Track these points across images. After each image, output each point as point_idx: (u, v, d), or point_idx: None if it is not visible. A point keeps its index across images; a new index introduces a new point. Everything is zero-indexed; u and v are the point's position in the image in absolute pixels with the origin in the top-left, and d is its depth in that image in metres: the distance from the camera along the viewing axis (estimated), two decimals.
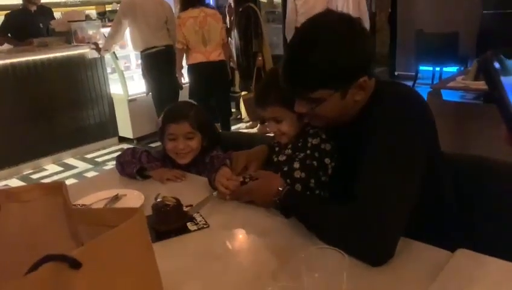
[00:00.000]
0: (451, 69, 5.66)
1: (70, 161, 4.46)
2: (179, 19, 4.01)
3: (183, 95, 4.62)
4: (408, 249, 0.98)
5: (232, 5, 4.95)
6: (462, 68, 4.84)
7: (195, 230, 1.15)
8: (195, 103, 1.73)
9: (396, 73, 7.30)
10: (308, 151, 1.25)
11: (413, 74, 6.02)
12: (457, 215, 1.17)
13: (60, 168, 4.27)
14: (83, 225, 0.63)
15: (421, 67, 6.03)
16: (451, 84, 3.21)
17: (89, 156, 4.58)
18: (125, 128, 4.84)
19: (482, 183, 1.26)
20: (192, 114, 1.58)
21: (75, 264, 0.45)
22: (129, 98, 4.71)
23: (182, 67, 4.20)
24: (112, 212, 0.59)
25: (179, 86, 4.45)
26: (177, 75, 4.24)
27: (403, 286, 0.87)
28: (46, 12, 5.22)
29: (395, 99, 1.07)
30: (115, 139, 4.91)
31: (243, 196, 1.28)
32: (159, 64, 4.27)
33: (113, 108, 4.84)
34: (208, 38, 4.02)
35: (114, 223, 0.54)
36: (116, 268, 0.51)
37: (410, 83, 5.19)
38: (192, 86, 4.24)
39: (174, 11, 4.65)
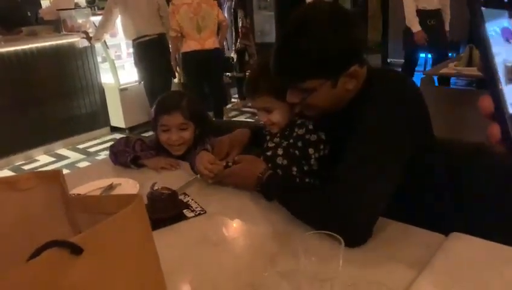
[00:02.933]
0: None
1: (62, 151, 4.44)
2: (173, 6, 3.95)
3: (176, 84, 4.61)
4: (402, 233, 1.00)
5: None
6: (454, 55, 4.85)
7: (192, 217, 1.16)
8: (187, 92, 1.73)
9: (389, 60, 7.30)
10: (292, 141, 1.27)
11: None
12: (451, 200, 1.19)
13: (52, 159, 4.24)
14: (81, 213, 0.63)
15: None
16: (443, 70, 3.23)
17: (80, 146, 4.55)
18: (117, 118, 4.82)
19: (475, 168, 1.28)
20: (185, 104, 1.57)
21: (76, 250, 0.46)
22: (120, 87, 4.68)
23: (176, 55, 4.17)
24: (110, 199, 0.59)
25: (173, 75, 4.42)
26: (172, 64, 4.21)
27: (396, 268, 0.88)
28: (32, 0, 5.15)
29: (386, 87, 1.08)
30: (107, 129, 4.89)
31: (226, 179, 1.30)
32: (151, 53, 4.23)
33: (105, 97, 4.81)
34: (203, 25, 3.98)
35: (113, 211, 0.54)
36: (117, 254, 0.51)
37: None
38: (186, 74, 4.21)
39: None
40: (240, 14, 5.68)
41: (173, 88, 4.52)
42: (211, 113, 4.39)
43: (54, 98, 4.39)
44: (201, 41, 4.01)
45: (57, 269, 0.45)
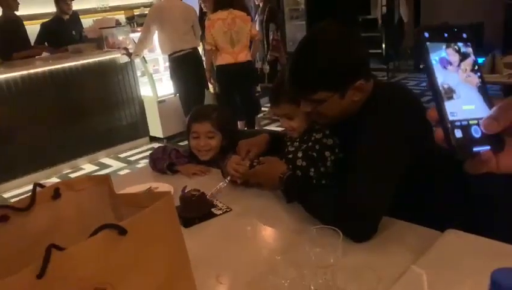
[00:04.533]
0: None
1: (105, 160, 4.73)
2: (208, 21, 4.16)
3: (209, 95, 4.83)
4: (399, 230, 1.12)
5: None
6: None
7: (220, 214, 1.33)
8: (219, 105, 1.91)
9: (421, 66, 7.26)
10: (310, 144, 1.42)
11: None
12: (451, 201, 1.29)
13: (96, 167, 4.54)
14: (124, 207, 0.80)
15: None
16: None
17: (122, 155, 4.84)
18: (155, 128, 5.08)
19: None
20: (214, 115, 1.74)
21: (122, 231, 0.62)
22: (158, 99, 4.94)
23: (210, 67, 4.39)
24: (146, 196, 0.76)
25: (206, 87, 4.65)
26: (206, 75, 4.44)
27: (392, 260, 1.00)
28: (76, 19, 5.52)
29: (387, 98, 1.20)
30: (146, 138, 5.16)
31: (251, 178, 1.46)
32: (185, 66, 4.47)
33: (144, 109, 5.08)
34: (236, 39, 4.16)
35: (148, 204, 0.70)
36: (151, 236, 0.67)
37: None
38: (219, 85, 4.42)
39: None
40: (271, 27, 5.87)
41: (207, 99, 4.75)
42: (243, 123, 4.59)
43: (97, 110, 4.70)
44: (235, 55, 4.20)
45: (109, 244, 0.61)
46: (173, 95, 4.85)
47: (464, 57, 0.50)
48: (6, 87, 4.03)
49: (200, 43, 4.81)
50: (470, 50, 0.51)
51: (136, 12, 6.86)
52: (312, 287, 0.91)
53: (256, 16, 5.97)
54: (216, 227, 1.28)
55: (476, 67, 0.50)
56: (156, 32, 4.44)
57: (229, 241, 1.20)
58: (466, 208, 1.29)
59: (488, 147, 0.45)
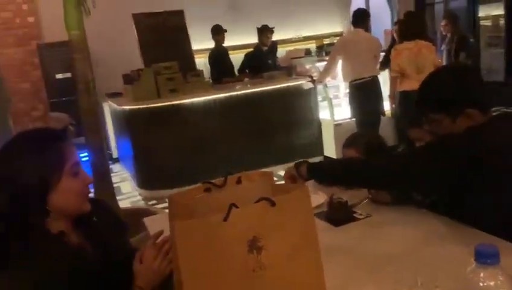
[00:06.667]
0: None
1: (282, 173, 5.32)
2: (395, 51, 4.47)
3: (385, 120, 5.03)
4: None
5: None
6: None
7: (361, 219, 1.64)
8: (373, 133, 2.19)
9: None
10: None
11: None
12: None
13: (275, 179, 5.16)
14: (277, 192, 1.19)
15: None
16: None
17: None
18: (329, 148, 5.50)
19: None
20: (363, 142, 2.03)
21: (272, 203, 1.00)
22: (335, 122, 5.35)
23: (393, 94, 4.63)
24: (290, 186, 1.14)
25: (382, 113, 4.88)
26: (389, 101, 4.71)
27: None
28: (274, 49, 6.38)
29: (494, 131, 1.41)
30: (320, 158, 5.61)
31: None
32: (364, 92, 4.80)
33: (321, 131, 5.56)
34: (422, 67, 4.32)
35: (291, 192, 1.08)
36: (290, 211, 1.04)
37: None
38: (401, 110, 4.58)
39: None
40: (462, 56, 5.71)
41: (383, 122, 4.96)
42: None
43: (281, 128, 5.37)
44: (418, 83, 4.35)
45: (264, 210, 1.00)
46: (349, 119, 5.19)
47: None
48: (213, 104, 5.00)
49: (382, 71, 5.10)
50: None
51: (326, 41, 7.49)
52: None
53: (443, 46, 5.89)
54: (357, 229, 1.59)
55: None
56: (340, 61, 4.88)
57: (368, 239, 1.49)
58: None
59: None
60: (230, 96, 5.10)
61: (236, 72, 6.34)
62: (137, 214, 3.05)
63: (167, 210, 1.18)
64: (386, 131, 4.90)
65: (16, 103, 6.36)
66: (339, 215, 1.65)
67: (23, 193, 1.12)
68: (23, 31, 6.53)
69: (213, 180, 1.22)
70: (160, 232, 1.34)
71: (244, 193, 1.17)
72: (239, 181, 1.26)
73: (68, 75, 5.86)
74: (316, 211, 1.75)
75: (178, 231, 0.99)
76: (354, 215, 1.65)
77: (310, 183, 2.14)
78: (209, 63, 6.15)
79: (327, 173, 1.61)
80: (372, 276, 1.27)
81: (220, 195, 1.18)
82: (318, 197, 1.90)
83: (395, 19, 8.00)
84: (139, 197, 4.97)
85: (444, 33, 5.99)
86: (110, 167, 4.13)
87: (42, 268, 1.10)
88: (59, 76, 6.18)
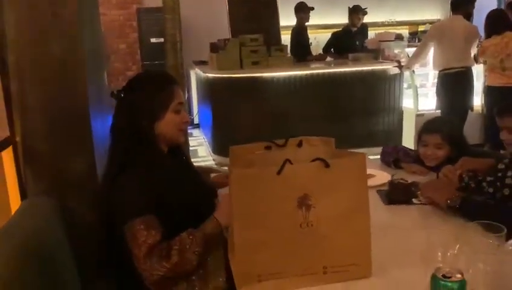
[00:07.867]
0: None
1: None
2: (481, 48, 4.30)
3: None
4: None
5: None
6: None
7: (417, 204, 1.59)
8: (454, 120, 2.08)
9: None
10: None
11: None
12: None
13: None
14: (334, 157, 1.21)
15: None
16: None
17: (371, 157, 5.24)
18: (408, 139, 5.27)
19: None
20: (446, 129, 1.94)
21: (327, 165, 1.03)
22: (418, 112, 5.10)
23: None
24: (349, 153, 1.16)
25: (470, 107, 4.58)
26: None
27: None
28: (363, 31, 6.18)
29: None
30: None
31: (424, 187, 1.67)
32: (453, 84, 4.51)
33: (401, 120, 5.34)
34: (507, 62, 4.10)
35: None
36: (344, 175, 1.06)
37: None
38: (487, 105, 4.40)
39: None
40: None
41: (470, 117, 4.66)
42: None
43: (360, 113, 5.24)
44: (505, 79, 4.10)
45: (318, 170, 1.04)
46: (433, 110, 4.93)
47: None
48: (293, 81, 5.02)
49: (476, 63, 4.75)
50: None
51: (421, 28, 7.08)
52: None
53: None
54: (411, 212, 1.55)
55: None
56: (432, 48, 4.62)
57: (419, 226, 1.46)
58: None
59: None
60: (311, 75, 5.07)
61: (321, 51, 6.26)
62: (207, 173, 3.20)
63: None
64: (472, 129, 4.60)
65: (113, 62, 6.91)
66: (397, 195, 1.62)
67: (137, 116, 1.41)
68: None
69: (275, 141, 1.28)
70: None
71: (303, 155, 1.21)
72: (300, 144, 1.30)
73: (161, 39, 6.17)
74: (378, 189, 1.74)
75: (234, 178, 1.06)
76: (413, 199, 1.61)
77: (377, 164, 2.14)
78: (290, 40, 6.13)
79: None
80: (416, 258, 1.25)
81: (279, 153, 1.23)
82: (383, 176, 1.88)
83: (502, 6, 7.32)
84: (212, 162, 5.20)
85: None
86: (190, 131, 4.38)
87: (165, 175, 1.40)
88: (153, 40, 6.54)
